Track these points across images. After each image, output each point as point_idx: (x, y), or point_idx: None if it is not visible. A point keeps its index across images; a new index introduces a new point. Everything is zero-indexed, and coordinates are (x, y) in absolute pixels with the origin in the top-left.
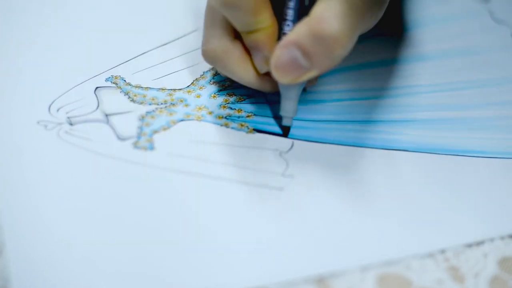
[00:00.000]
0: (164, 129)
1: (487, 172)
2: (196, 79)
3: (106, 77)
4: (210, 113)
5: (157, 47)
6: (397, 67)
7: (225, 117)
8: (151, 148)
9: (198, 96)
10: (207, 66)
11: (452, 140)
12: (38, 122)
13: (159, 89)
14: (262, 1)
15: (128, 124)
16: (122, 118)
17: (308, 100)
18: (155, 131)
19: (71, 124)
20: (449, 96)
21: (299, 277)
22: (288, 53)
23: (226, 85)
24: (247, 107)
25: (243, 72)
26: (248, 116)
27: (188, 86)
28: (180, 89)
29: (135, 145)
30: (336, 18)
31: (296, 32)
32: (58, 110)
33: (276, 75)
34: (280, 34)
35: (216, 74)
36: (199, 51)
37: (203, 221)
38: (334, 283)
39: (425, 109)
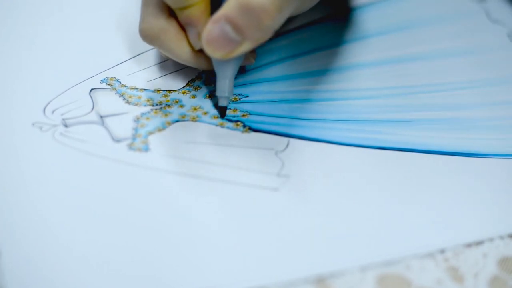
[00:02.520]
0: (159, 130)
1: (485, 172)
2: (191, 79)
3: (101, 79)
4: (205, 113)
5: (153, 48)
6: (392, 67)
7: (220, 117)
8: (146, 149)
9: (193, 96)
10: None
11: (447, 141)
12: (33, 124)
13: (154, 90)
14: None
15: (123, 126)
16: (117, 120)
17: (301, 99)
18: (150, 133)
19: (66, 125)
20: (445, 96)
21: (298, 277)
22: (219, 28)
23: None
24: (243, 106)
25: (180, 50)
26: (243, 116)
27: (183, 87)
28: (175, 90)
29: (130, 147)
30: None
31: (226, 6)
32: (53, 112)
33: (208, 50)
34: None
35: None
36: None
37: (199, 222)
38: (334, 284)
39: (421, 109)
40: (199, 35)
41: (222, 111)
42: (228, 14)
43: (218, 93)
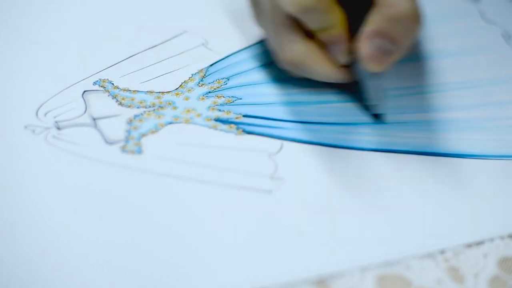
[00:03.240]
0: (152, 132)
1: (482, 173)
2: (185, 81)
3: (94, 81)
4: (199, 115)
5: (145, 50)
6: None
7: (214, 119)
8: (139, 151)
9: (187, 98)
10: (195, 68)
11: (442, 142)
12: (25, 127)
13: (147, 92)
14: None
15: (116, 128)
16: (110, 122)
17: (298, 102)
18: (143, 135)
19: (58, 128)
20: (439, 97)
21: (296, 279)
22: (375, 43)
23: (215, 87)
24: (236, 108)
25: (325, 69)
26: (237, 118)
27: (176, 88)
28: (169, 91)
29: (123, 149)
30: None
31: (373, 22)
32: (45, 115)
33: (370, 65)
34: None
35: (204, 76)
36: (188, 53)
37: (193, 224)
38: (334, 284)
39: (414, 110)
40: (343, 51)
41: (380, 118)
42: (380, 28)
43: (372, 102)
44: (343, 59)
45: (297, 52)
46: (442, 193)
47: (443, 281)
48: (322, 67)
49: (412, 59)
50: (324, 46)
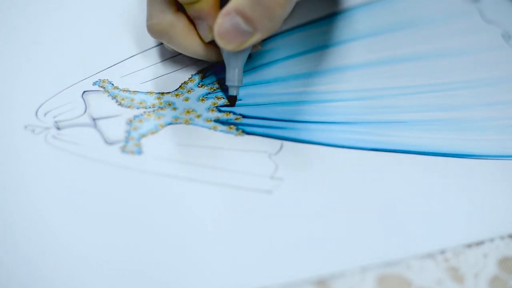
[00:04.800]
0: (152, 133)
1: (483, 173)
2: (185, 82)
3: (94, 81)
4: (198, 116)
5: (145, 50)
6: (386, 68)
7: (214, 120)
8: (139, 152)
9: (186, 99)
10: (195, 69)
11: (443, 142)
12: (25, 127)
13: (147, 92)
14: None
15: (115, 128)
16: (109, 122)
17: (295, 101)
18: (143, 135)
19: (58, 128)
20: (440, 97)
21: (297, 279)
22: (230, 20)
23: (215, 88)
24: (236, 109)
25: (189, 43)
26: (236, 119)
27: (176, 89)
28: (168, 92)
29: (123, 149)
30: None
31: (235, 0)
32: (45, 115)
33: (221, 42)
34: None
35: (204, 77)
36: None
37: (193, 224)
38: (334, 284)
39: (416, 110)
40: (209, 28)
41: (231, 100)
42: (239, 7)
43: (228, 83)
44: (207, 36)
45: (162, 21)
46: (442, 193)
47: (443, 281)
48: (186, 41)
49: (411, 58)
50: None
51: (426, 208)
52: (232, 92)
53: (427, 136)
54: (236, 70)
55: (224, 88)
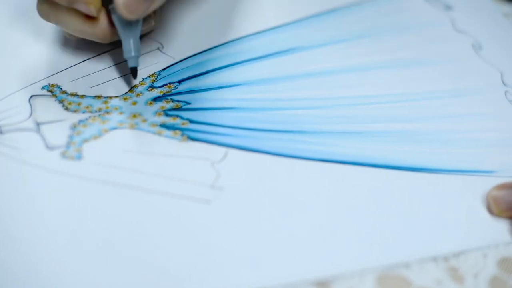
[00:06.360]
0: (95, 138)
1: (435, 188)
2: (135, 85)
3: (43, 85)
4: (144, 120)
5: (98, 54)
6: (344, 76)
7: (159, 125)
8: (79, 157)
9: (134, 103)
10: (146, 73)
11: (396, 154)
12: None
13: (95, 96)
14: None
15: (59, 133)
16: (53, 127)
17: (245, 108)
18: (85, 140)
19: (1, 132)
20: (398, 108)
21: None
22: None
23: (165, 91)
24: (183, 114)
25: (73, 22)
26: (183, 124)
27: (125, 93)
28: (117, 96)
29: (63, 155)
30: None
31: None
32: None
33: (127, 12)
34: None
35: (156, 80)
36: (142, 58)
37: (130, 232)
38: (334, 284)
39: (371, 120)
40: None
41: (133, 72)
42: None
43: (125, 55)
44: (89, 10)
45: (47, 2)
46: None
47: (443, 281)
48: (71, 20)
49: (376, 67)
50: None
51: (369, 221)
52: (132, 63)
53: (381, 148)
54: (131, 40)
55: (174, 92)
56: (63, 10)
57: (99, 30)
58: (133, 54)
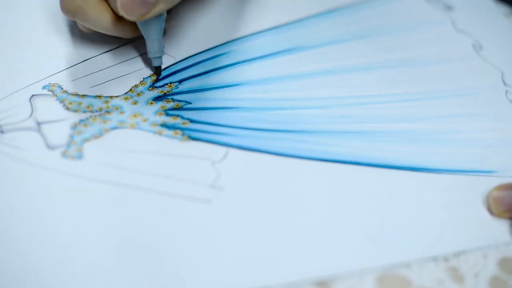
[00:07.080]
0: (96, 137)
1: (434, 187)
2: (135, 85)
3: (43, 85)
4: (145, 120)
5: (99, 54)
6: (345, 76)
7: (160, 125)
8: (80, 157)
9: (135, 103)
10: (147, 72)
11: (396, 154)
12: None
13: (96, 96)
14: None
15: (59, 133)
16: (54, 127)
17: (246, 107)
18: (86, 140)
19: (2, 132)
20: (398, 108)
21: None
22: None
23: (165, 91)
24: (184, 113)
25: (103, 19)
26: (183, 123)
27: (126, 92)
28: (117, 96)
29: (64, 154)
30: None
31: None
32: None
33: (124, 13)
34: None
35: (156, 80)
36: (140, 58)
37: (130, 231)
38: (334, 284)
39: (371, 120)
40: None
41: (158, 71)
42: None
43: (150, 55)
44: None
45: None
46: (390, 206)
47: (443, 281)
48: (99, 17)
49: (377, 67)
50: None
51: (369, 221)
52: (157, 63)
53: (381, 148)
54: (155, 41)
55: (174, 92)
56: (94, 7)
57: (127, 28)
58: (158, 54)
